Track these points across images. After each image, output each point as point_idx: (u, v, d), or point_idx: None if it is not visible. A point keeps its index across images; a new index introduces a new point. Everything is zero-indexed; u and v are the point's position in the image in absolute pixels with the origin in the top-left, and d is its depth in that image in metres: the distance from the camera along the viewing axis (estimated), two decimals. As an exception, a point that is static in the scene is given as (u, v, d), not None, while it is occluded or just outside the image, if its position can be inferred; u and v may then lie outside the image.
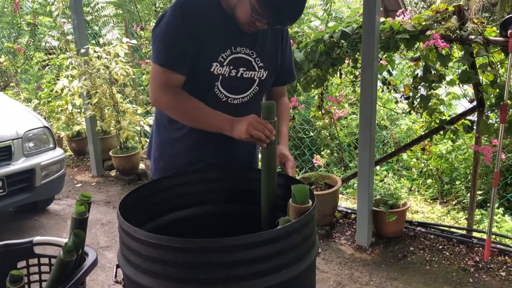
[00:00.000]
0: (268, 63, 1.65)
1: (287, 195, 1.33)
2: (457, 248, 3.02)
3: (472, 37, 2.68)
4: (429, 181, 4.14)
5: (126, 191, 4.16)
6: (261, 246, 1.12)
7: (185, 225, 1.58)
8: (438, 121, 3.04)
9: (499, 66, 2.76)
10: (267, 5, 1.41)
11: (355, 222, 3.36)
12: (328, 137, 4.22)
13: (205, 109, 1.52)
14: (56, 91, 4.99)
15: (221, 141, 1.58)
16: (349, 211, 3.59)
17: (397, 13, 3.09)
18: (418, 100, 3.01)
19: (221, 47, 1.54)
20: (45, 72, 6.75)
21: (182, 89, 1.55)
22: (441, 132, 3.10)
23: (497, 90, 2.72)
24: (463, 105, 3.16)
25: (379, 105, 4.18)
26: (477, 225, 3.39)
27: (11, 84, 6.40)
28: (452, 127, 2.99)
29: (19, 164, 3.37)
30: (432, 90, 2.94)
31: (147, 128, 4.64)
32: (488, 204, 3.60)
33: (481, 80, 2.82)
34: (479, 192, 3.60)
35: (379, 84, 3.31)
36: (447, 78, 2.94)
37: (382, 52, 3.05)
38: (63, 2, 5.14)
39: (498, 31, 2.67)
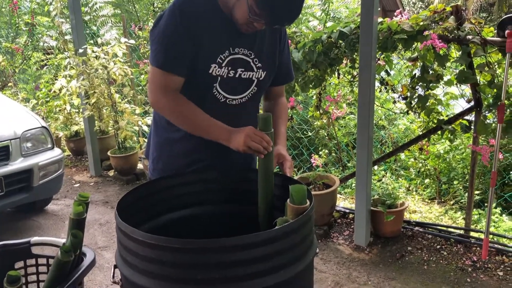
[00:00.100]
0: (266, 64, 1.65)
1: (284, 195, 1.33)
2: (455, 248, 3.03)
3: (470, 37, 2.69)
4: (427, 181, 4.14)
5: (124, 191, 4.15)
6: (259, 247, 1.12)
7: (183, 225, 1.58)
8: (436, 121, 3.04)
9: (496, 66, 2.77)
10: (265, 6, 1.41)
11: (353, 222, 3.36)
12: (326, 137, 4.22)
13: (204, 116, 1.52)
14: (54, 91, 4.99)
15: (220, 143, 1.58)
16: (347, 211, 3.59)
17: (395, 13, 3.10)
18: (416, 100, 3.01)
19: (219, 48, 1.54)
20: (43, 72, 6.74)
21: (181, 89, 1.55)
22: (439, 132, 3.11)
23: (495, 90, 2.73)
24: (460, 105, 3.16)
25: (377, 105, 4.19)
26: (475, 225, 3.40)
27: (9, 84, 6.39)
28: (450, 127, 2.99)
29: (17, 164, 3.36)
30: (430, 90, 2.94)
31: (145, 128, 4.64)
32: (485, 204, 3.60)
33: (478, 80, 2.83)
34: (476, 192, 3.61)
35: (377, 84, 3.31)
36: (445, 78, 2.94)
37: (380, 52, 3.05)
38: (61, 2, 5.13)
39: (496, 31, 2.68)
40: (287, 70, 1.78)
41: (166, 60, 1.50)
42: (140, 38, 5.05)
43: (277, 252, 1.15)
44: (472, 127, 2.97)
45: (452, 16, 2.79)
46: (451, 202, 3.86)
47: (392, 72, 3.58)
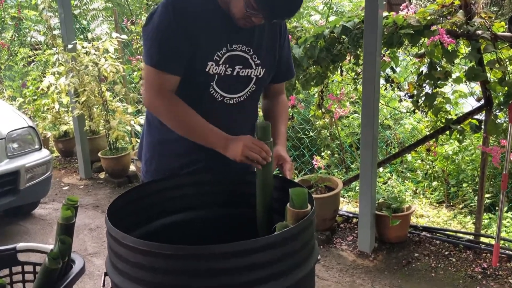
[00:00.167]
0: (265, 60, 1.65)
1: (284, 198, 1.33)
2: (464, 254, 3.03)
3: (480, 32, 2.69)
4: (434, 183, 4.15)
5: (116, 195, 4.13)
6: (257, 253, 1.12)
7: (176, 230, 1.58)
8: (444, 121, 3.05)
9: (507, 62, 2.77)
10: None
11: (357, 226, 3.36)
12: (329, 137, 4.23)
13: (201, 122, 1.52)
14: (42, 89, 4.98)
15: None
16: (351, 215, 3.59)
17: (401, 7, 3.10)
18: (423, 98, 3.01)
19: (216, 45, 1.54)
20: (31, 69, 6.73)
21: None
22: (447, 132, 3.11)
23: (506, 88, 2.73)
24: (470, 103, 3.17)
25: (382, 104, 4.19)
26: (485, 230, 3.40)
27: (-5, 81, 6.39)
28: (459, 126, 2.99)
29: (2, 166, 3.35)
30: (437, 88, 2.94)
31: (138, 128, 4.63)
32: (496, 208, 3.61)
33: (488, 78, 2.83)
34: (487, 195, 3.61)
35: (382, 81, 3.32)
36: (453, 76, 2.95)
37: (385, 48, 3.05)
38: (50, -5, 5.13)
39: (507, 26, 2.68)
40: (288, 66, 1.78)
41: (161, 58, 1.50)
42: (133, 33, 5.04)
43: (276, 259, 1.15)
44: (482, 126, 2.97)
45: (461, 10, 2.79)
46: (460, 206, 3.87)
47: (398, 69, 3.59)
